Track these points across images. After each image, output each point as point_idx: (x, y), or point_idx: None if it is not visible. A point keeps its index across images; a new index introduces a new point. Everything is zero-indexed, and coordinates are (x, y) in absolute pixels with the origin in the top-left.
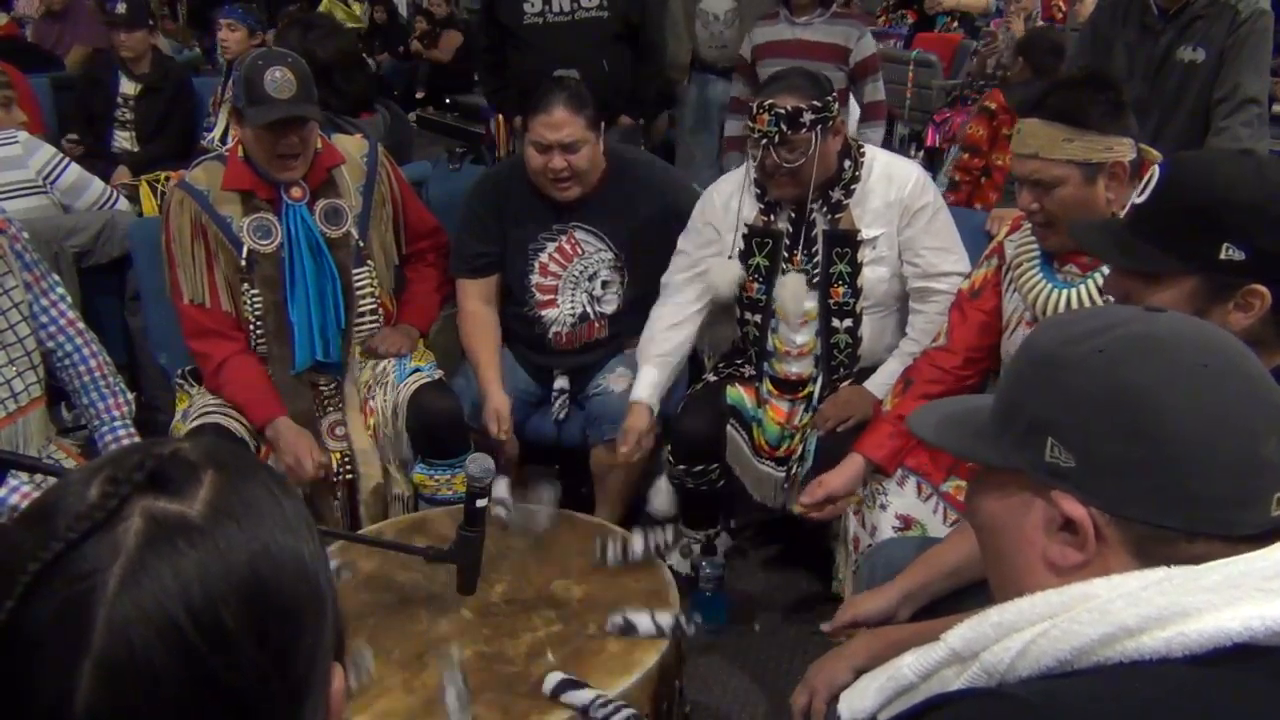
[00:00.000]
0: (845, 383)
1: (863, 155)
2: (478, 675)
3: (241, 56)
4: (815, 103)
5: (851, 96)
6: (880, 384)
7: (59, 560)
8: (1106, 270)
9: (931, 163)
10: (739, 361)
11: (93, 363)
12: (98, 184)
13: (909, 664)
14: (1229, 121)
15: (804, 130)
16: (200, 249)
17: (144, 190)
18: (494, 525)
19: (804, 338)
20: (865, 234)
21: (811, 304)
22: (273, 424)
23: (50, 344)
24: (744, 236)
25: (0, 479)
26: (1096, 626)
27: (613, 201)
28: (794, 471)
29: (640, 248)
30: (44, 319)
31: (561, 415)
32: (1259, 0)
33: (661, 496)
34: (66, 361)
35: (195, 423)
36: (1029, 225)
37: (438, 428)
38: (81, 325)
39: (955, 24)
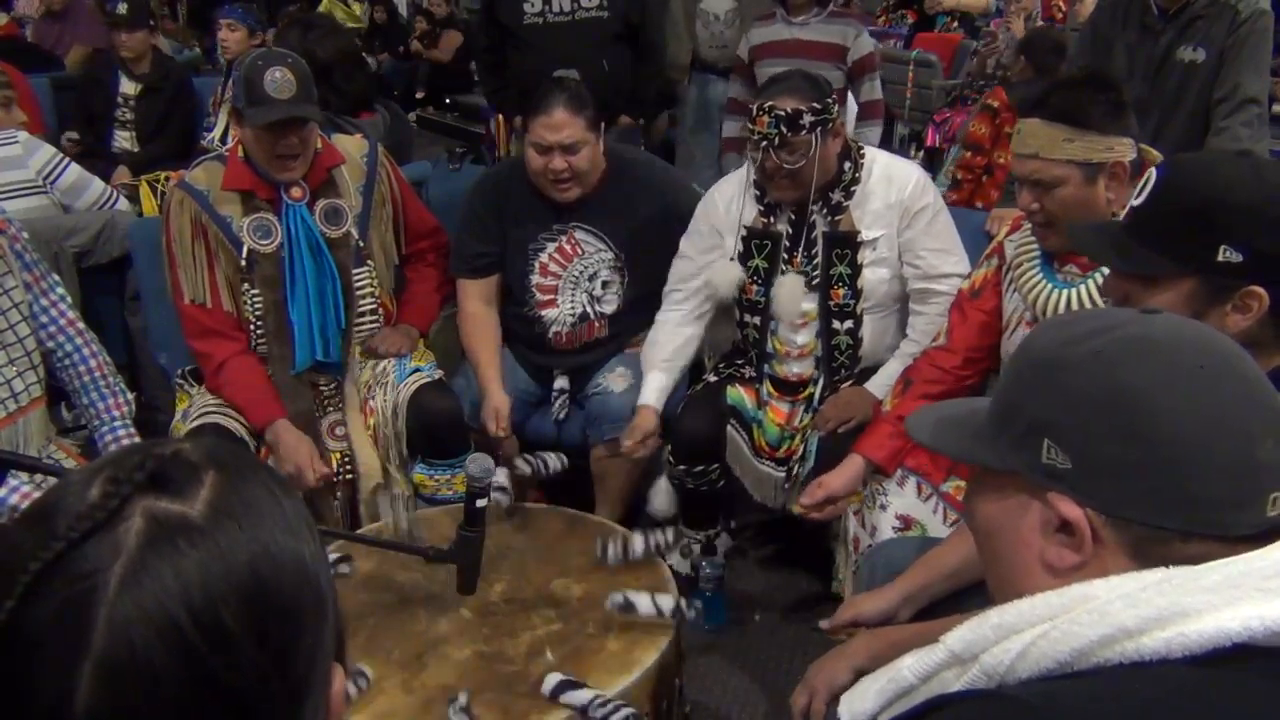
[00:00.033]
0: (846, 384)
1: (862, 157)
2: (477, 675)
3: (241, 56)
4: (815, 105)
5: (850, 95)
6: (881, 384)
7: (59, 560)
8: (1107, 270)
9: (931, 163)
10: (739, 362)
11: (93, 363)
12: (98, 184)
13: (909, 666)
14: (1229, 121)
15: (804, 132)
16: (201, 249)
17: (144, 190)
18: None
19: (804, 338)
20: (865, 235)
21: (811, 305)
22: (272, 427)
23: (50, 344)
24: (743, 238)
25: (0, 479)
26: (1096, 628)
27: (613, 202)
28: (795, 472)
29: (640, 248)
30: (44, 319)
31: (561, 415)
32: (1259, 0)
33: (661, 496)
34: (66, 361)
35: (195, 423)
36: (1029, 225)
37: (438, 428)
38: (81, 325)
39: (955, 24)
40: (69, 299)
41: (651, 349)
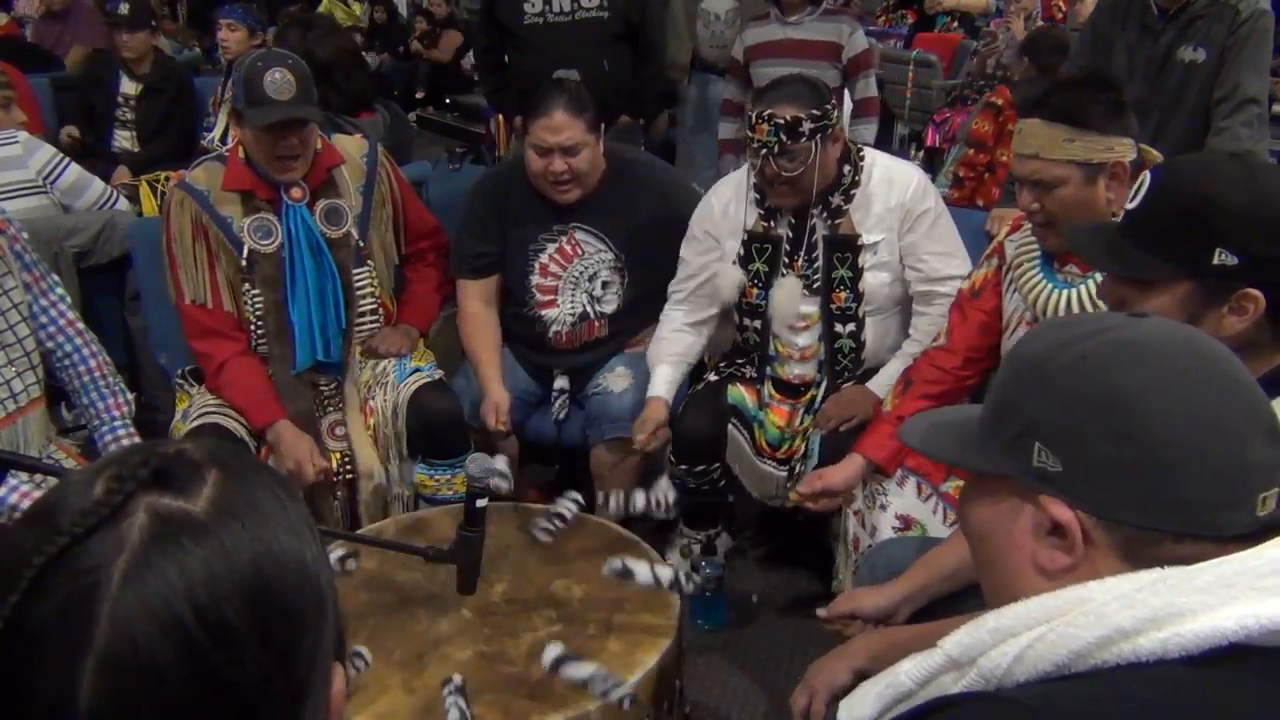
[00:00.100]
0: (848, 385)
1: (862, 160)
2: (478, 675)
3: (242, 57)
4: (814, 111)
5: (846, 93)
6: (882, 384)
7: (63, 555)
8: None
9: (931, 163)
10: (740, 361)
11: (92, 363)
12: (98, 184)
13: (906, 671)
14: (1229, 122)
15: (803, 140)
16: (201, 249)
17: (144, 190)
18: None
19: (806, 341)
20: (866, 239)
21: (812, 308)
22: (273, 427)
23: (50, 344)
24: (744, 242)
25: (0, 479)
26: (1093, 630)
27: (613, 202)
28: (797, 471)
29: (640, 248)
30: (44, 319)
31: (561, 415)
32: (1259, 0)
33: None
34: (66, 362)
35: (195, 423)
36: (1029, 225)
37: (438, 428)
38: (81, 325)
39: (955, 24)
40: (69, 299)
41: (658, 345)
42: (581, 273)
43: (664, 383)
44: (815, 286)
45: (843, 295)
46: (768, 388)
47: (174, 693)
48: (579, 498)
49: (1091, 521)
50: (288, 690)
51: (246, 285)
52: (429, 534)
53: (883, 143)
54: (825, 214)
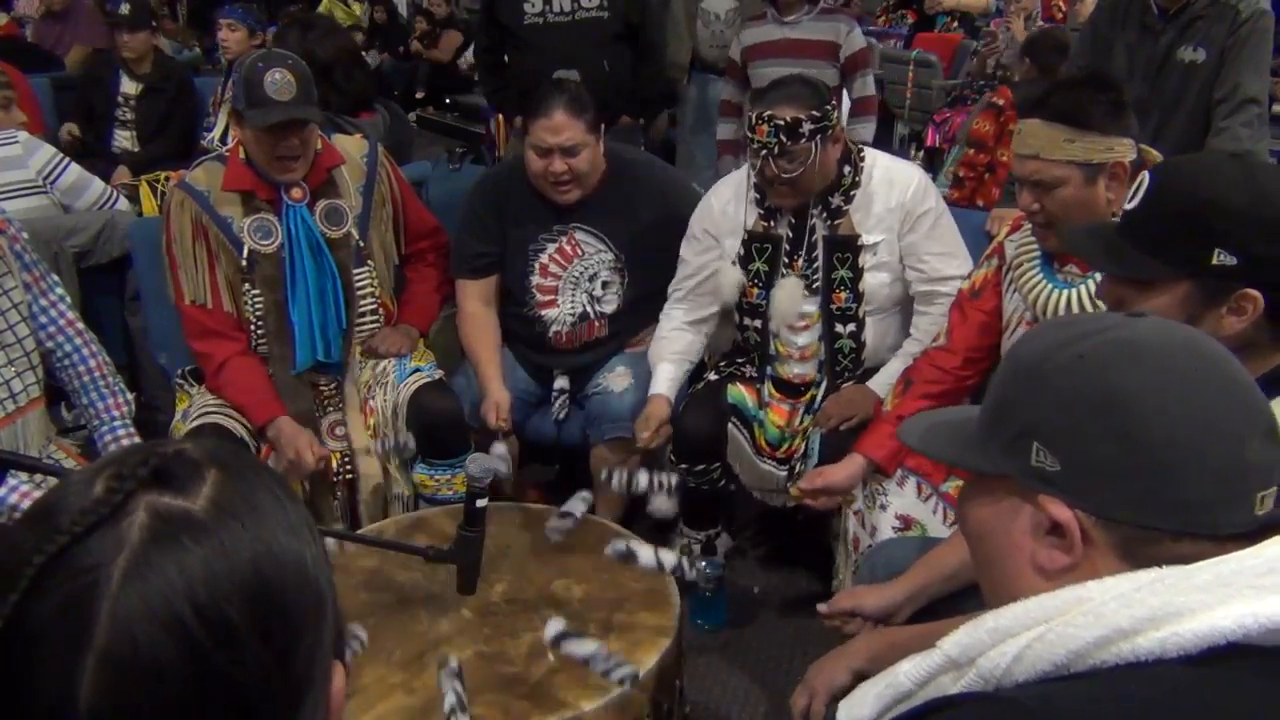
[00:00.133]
0: (848, 384)
1: (863, 160)
2: (478, 675)
3: (242, 57)
4: (814, 112)
5: (844, 92)
6: (883, 383)
7: (62, 555)
8: None
9: (931, 163)
10: (740, 360)
11: (92, 363)
12: (98, 184)
13: (905, 672)
14: (1229, 122)
15: (803, 141)
16: (201, 250)
17: (144, 190)
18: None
19: (806, 341)
20: (866, 239)
21: (812, 308)
22: (274, 423)
23: (50, 344)
24: (744, 242)
25: (0, 479)
26: (1091, 629)
27: (613, 202)
28: (797, 470)
29: (640, 248)
30: (43, 319)
31: (561, 415)
32: (1259, 0)
33: (663, 496)
34: (66, 362)
35: (195, 423)
36: (1029, 225)
37: (438, 428)
38: (81, 325)
39: (955, 24)
40: (69, 299)
41: (659, 343)
42: (581, 273)
43: (666, 380)
44: (815, 286)
45: (843, 295)
46: (768, 387)
47: (174, 691)
48: (589, 496)
49: (1090, 521)
50: (287, 689)
51: (246, 285)
52: (429, 534)
53: (883, 143)
54: (825, 214)
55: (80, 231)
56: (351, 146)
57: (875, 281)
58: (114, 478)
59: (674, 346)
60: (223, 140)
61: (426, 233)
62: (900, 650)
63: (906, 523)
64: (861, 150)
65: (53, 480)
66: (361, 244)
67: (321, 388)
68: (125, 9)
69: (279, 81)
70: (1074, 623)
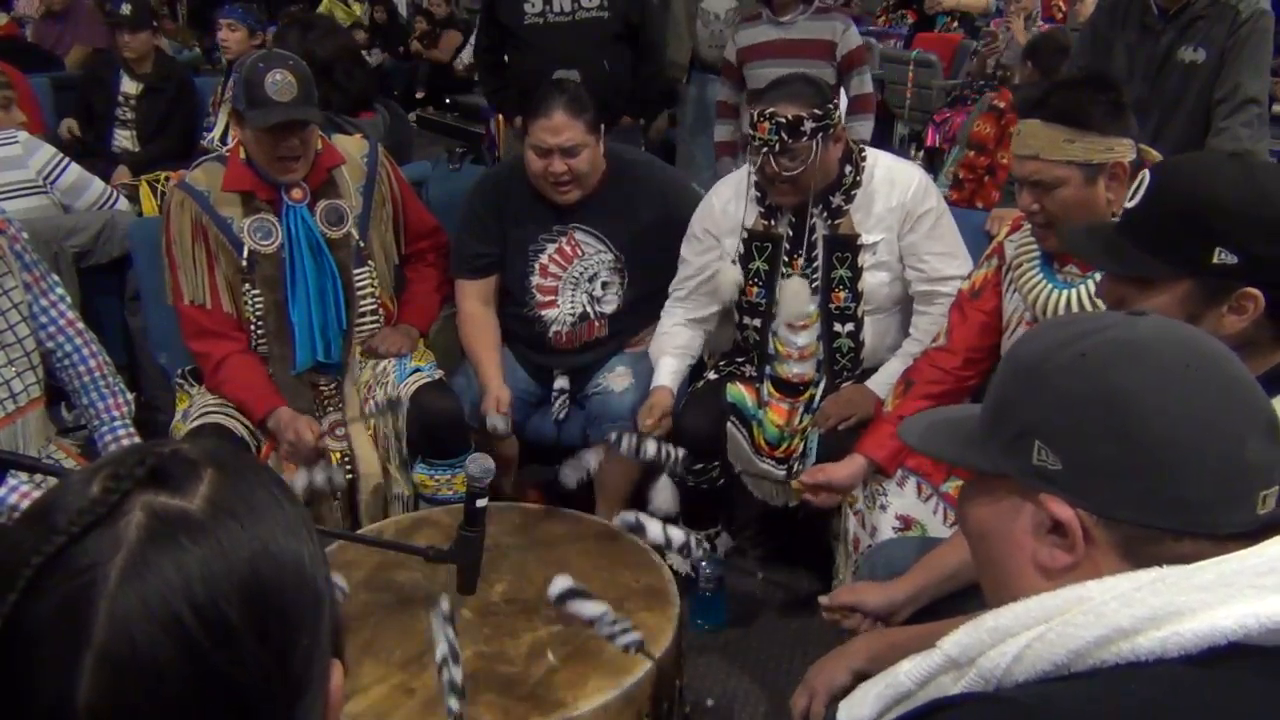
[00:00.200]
0: (847, 384)
1: (864, 160)
2: (478, 676)
3: (242, 57)
4: (816, 111)
5: (842, 90)
6: (882, 383)
7: (60, 555)
8: None
9: (931, 163)
10: (739, 360)
11: (92, 363)
12: (98, 184)
13: (906, 671)
14: (1229, 122)
15: (804, 139)
16: (201, 250)
17: (144, 190)
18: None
19: (805, 340)
20: (866, 239)
21: (811, 308)
22: (273, 414)
23: (50, 344)
24: (744, 240)
25: (0, 479)
26: (1092, 629)
27: (612, 203)
28: (795, 470)
29: (640, 249)
30: (43, 319)
31: (561, 415)
32: (1259, 0)
33: (662, 495)
34: (66, 362)
35: (195, 423)
36: (1029, 225)
37: (438, 428)
38: (81, 325)
39: (955, 24)
40: (69, 299)
41: (660, 339)
42: (581, 273)
43: (669, 373)
44: (815, 286)
45: (842, 295)
46: (767, 386)
47: (172, 691)
48: (600, 452)
49: (1092, 520)
50: (286, 688)
51: (246, 286)
52: (429, 534)
53: (883, 143)
54: (825, 213)
55: (80, 231)
56: (352, 146)
57: (874, 281)
58: (111, 478)
59: (676, 341)
60: (223, 140)
61: (426, 233)
62: (900, 650)
63: (906, 523)
64: (863, 150)
65: (53, 480)
66: (361, 244)
67: (321, 388)
68: (126, 9)
69: (279, 82)
70: (1074, 622)
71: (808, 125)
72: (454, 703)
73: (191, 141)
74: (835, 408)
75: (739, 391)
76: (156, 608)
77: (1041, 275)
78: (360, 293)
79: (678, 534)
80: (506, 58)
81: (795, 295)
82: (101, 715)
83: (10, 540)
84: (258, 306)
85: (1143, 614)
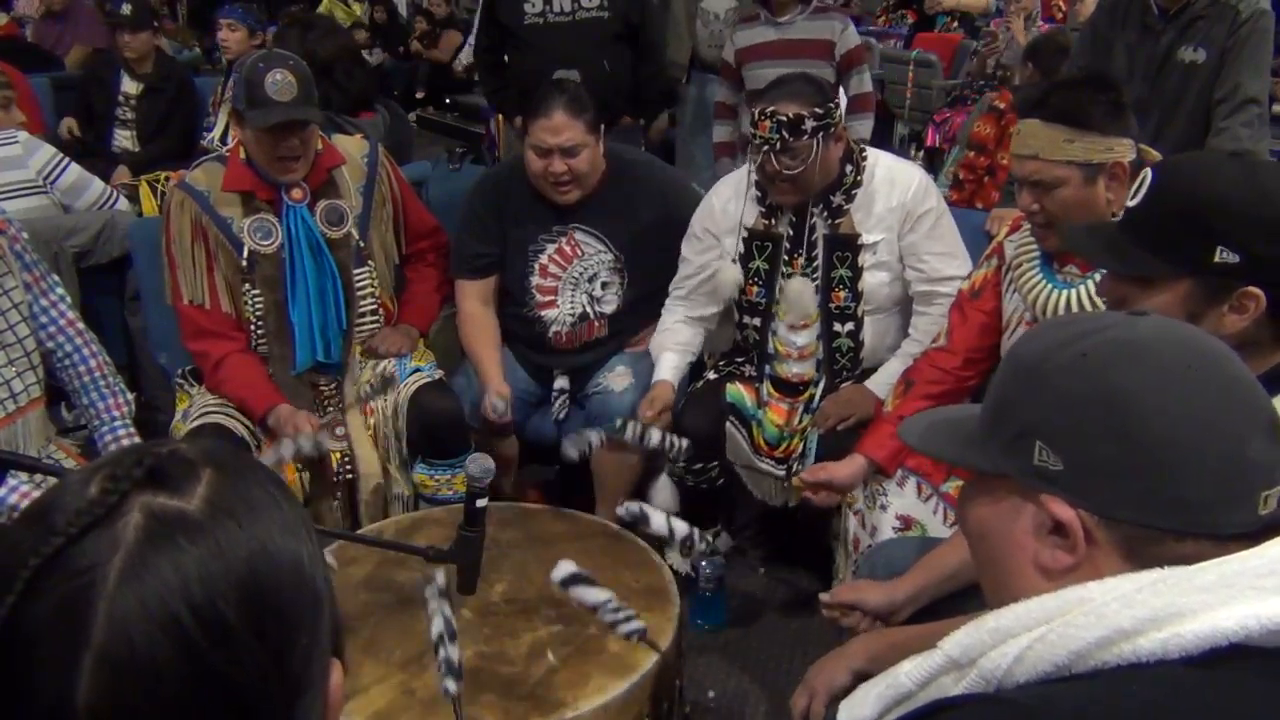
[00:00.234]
0: (847, 384)
1: (864, 159)
2: (478, 676)
3: (242, 57)
4: (817, 110)
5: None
6: (882, 383)
7: (58, 556)
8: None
9: (931, 163)
10: (739, 359)
11: (92, 363)
12: (98, 184)
13: (906, 672)
14: (1229, 122)
15: (805, 138)
16: (200, 250)
17: (144, 190)
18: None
19: (805, 340)
20: (866, 239)
21: (813, 307)
22: (273, 411)
23: (50, 344)
24: (744, 240)
25: (0, 479)
26: (1093, 630)
27: (612, 203)
28: (795, 470)
29: (640, 249)
30: (44, 319)
31: (561, 415)
32: (1259, 0)
33: (662, 494)
34: (66, 362)
35: (195, 423)
36: (1029, 225)
37: (438, 428)
38: (81, 325)
39: (955, 24)
40: (69, 299)
41: (661, 335)
42: (581, 273)
43: (670, 368)
44: (815, 285)
45: (842, 294)
46: (766, 386)
47: (171, 691)
48: (603, 431)
49: (1093, 520)
50: (285, 688)
51: (246, 286)
52: (429, 534)
53: (883, 143)
54: (825, 213)
55: (80, 231)
56: (352, 146)
57: (874, 281)
58: (109, 478)
59: (677, 338)
60: (223, 140)
61: (426, 233)
62: (901, 650)
63: (907, 523)
64: (863, 149)
65: (53, 480)
66: (362, 244)
67: (321, 388)
68: (127, 9)
69: (280, 82)
70: (1075, 623)
71: (809, 124)
72: (451, 684)
73: (191, 141)
74: (835, 408)
75: (738, 391)
76: (155, 608)
77: (1041, 275)
78: (360, 293)
79: (681, 526)
80: (506, 58)
81: (799, 295)
82: (101, 715)
83: (9, 541)
84: (258, 306)
85: (1144, 615)
